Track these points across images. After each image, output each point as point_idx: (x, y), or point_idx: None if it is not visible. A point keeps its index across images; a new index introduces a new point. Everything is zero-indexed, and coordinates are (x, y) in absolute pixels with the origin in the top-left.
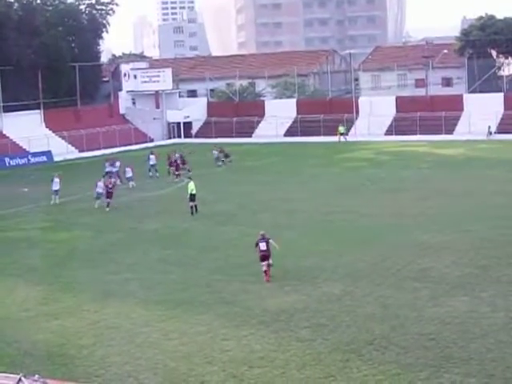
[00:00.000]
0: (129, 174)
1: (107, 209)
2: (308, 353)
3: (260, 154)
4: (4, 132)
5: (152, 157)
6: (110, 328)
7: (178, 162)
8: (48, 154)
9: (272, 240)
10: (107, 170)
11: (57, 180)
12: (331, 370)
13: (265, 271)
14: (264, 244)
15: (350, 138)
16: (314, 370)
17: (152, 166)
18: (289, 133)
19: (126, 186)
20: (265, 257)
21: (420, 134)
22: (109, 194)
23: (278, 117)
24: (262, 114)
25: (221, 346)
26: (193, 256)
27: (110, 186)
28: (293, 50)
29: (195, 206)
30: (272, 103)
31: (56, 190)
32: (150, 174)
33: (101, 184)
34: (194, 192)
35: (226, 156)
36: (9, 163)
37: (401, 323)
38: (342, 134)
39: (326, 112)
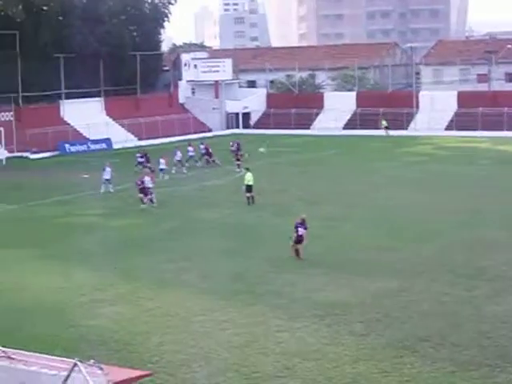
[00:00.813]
0: (162, 165)
1: (142, 206)
2: (361, 347)
3: (318, 147)
4: (65, 119)
5: (190, 148)
6: (164, 316)
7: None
8: (107, 141)
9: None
10: (139, 160)
11: (108, 169)
12: (384, 365)
13: (296, 250)
14: (302, 229)
15: (410, 133)
16: (367, 365)
17: (191, 157)
18: (348, 126)
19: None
20: (300, 241)
21: (481, 129)
22: (143, 190)
23: (338, 109)
24: (321, 106)
25: (274, 337)
26: (249, 246)
27: (140, 182)
28: (354, 43)
29: (252, 197)
30: (331, 95)
31: (107, 179)
32: (187, 164)
33: (148, 178)
34: (250, 183)
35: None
36: (69, 150)
37: (457, 321)
38: (386, 128)
39: (386, 105)
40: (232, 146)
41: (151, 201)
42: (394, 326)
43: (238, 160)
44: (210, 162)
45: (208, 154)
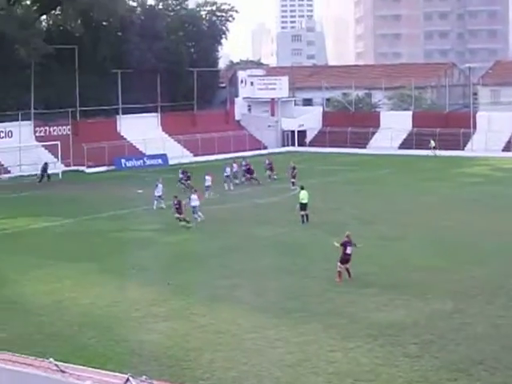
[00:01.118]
0: (208, 182)
1: (188, 225)
2: (415, 369)
3: (374, 166)
4: (122, 133)
5: (234, 165)
6: (217, 333)
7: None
8: (163, 157)
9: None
10: (180, 177)
11: (160, 186)
12: None
13: (339, 272)
14: (350, 248)
15: (466, 153)
16: None
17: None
18: (404, 145)
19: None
20: (347, 260)
21: None
22: (178, 210)
23: (394, 129)
24: (377, 125)
25: (327, 357)
26: (303, 265)
27: (176, 202)
28: (411, 62)
29: (306, 216)
30: (388, 115)
31: (159, 196)
32: (236, 181)
33: (195, 197)
34: (304, 201)
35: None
36: (125, 164)
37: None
38: (434, 148)
39: (443, 126)
40: (265, 163)
41: (198, 217)
42: (448, 348)
43: (293, 178)
44: (250, 180)
45: (249, 171)
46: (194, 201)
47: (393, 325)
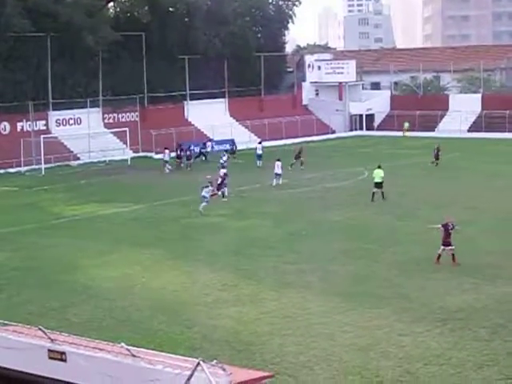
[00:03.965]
0: (278, 169)
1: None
2: (485, 353)
3: (443, 149)
4: (189, 119)
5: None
6: (286, 317)
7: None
8: (231, 142)
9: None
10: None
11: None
12: (509, 372)
13: (438, 254)
14: (450, 231)
15: None
16: (492, 371)
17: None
18: (473, 128)
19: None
20: (448, 243)
21: None
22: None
23: (462, 112)
24: (445, 109)
25: (397, 341)
26: (373, 249)
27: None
28: (480, 44)
29: (382, 193)
30: (456, 98)
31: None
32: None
33: (208, 189)
34: (378, 180)
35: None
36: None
37: None
38: (407, 130)
39: None
40: (295, 151)
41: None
42: None
43: (437, 158)
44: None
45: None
46: (206, 193)
47: (462, 309)
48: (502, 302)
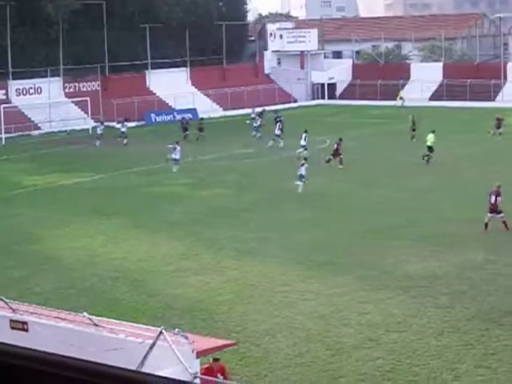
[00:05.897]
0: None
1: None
2: (446, 320)
3: (404, 118)
4: (151, 89)
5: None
6: (248, 286)
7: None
8: (193, 111)
9: None
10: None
11: (178, 148)
12: (469, 338)
13: (486, 223)
14: (494, 197)
15: (497, 104)
16: (452, 337)
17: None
18: (434, 97)
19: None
20: (492, 210)
21: None
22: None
23: (424, 80)
24: (407, 77)
25: (358, 308)
26: (334, 218)
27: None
28: (441, 13)
29: (427, 157)
30: (418, 67)
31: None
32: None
33: (179, 148)
34: (429, 144)
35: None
36: (155, 119)
37: None
38: (401, 99)
39: (473, 77)
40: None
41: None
42: (479, 298)
43: (498, 127)
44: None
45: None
46: (176, 155)
47: (424, 276)
48: (463, 269)
